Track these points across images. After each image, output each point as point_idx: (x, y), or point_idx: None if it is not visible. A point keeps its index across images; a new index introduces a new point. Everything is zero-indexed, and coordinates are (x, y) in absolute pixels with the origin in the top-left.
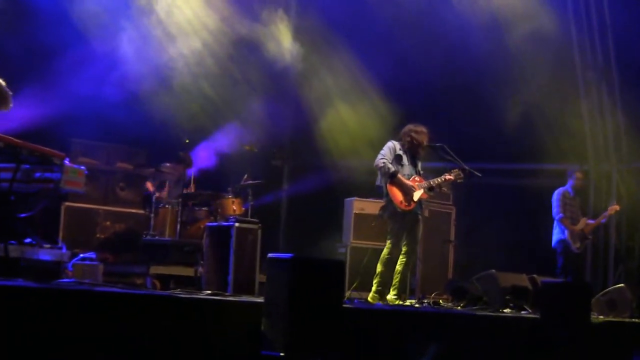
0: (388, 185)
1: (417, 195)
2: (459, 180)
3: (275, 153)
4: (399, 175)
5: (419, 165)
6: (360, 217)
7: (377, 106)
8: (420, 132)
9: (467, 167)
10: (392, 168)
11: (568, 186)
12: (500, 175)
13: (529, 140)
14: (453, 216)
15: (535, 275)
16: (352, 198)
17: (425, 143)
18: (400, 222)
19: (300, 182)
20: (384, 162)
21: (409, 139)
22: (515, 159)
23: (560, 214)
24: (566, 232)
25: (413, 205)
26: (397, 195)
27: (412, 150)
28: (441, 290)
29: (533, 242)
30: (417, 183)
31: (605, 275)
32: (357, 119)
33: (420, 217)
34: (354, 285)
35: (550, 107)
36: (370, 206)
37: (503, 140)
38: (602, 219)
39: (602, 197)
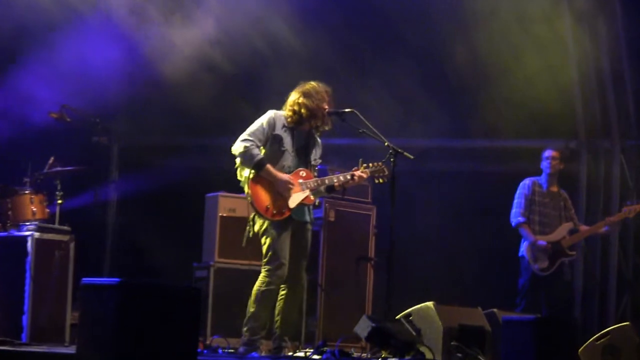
0: (250, 182)
1: (295, 200)
2: (379, 179)
3: (99, 125)
4: (269, 167)
5: (315, 151)
6: (229, 223)
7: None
8: (316, 94)
9: (393, 146)
10: (259, 155)
11: (544, 175)
12: (447, 158)
13: (489, 108)
14: (373, 220)
15: (495, 310)
16: (217, 193)
17: (324, 110)
18: (278, 236)
19: (140, 171)
20: (246, 146)
21: (297, 107)
22: (469, 134)
23: (519, 218)
24: (526, 243)
25: (287, 213)
26: (262, 197)
27: (303, 127)
28: (353, 334)
29: (497, 257)
30: (300, 180)
31: (604, 308)
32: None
33: (309, 225)
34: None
35: (519, 54)
36: (243, 206)
37: (451, 107)
38: (603, 227)
39: (598, 190)
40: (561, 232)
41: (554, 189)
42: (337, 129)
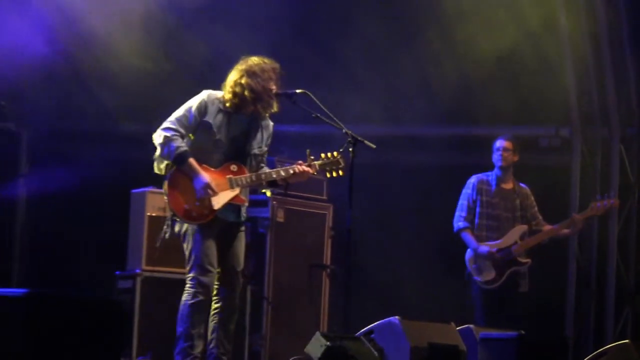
0: (169, 178)
1: (221, 200)
2: (331, 172)
3: (5, 108)
4: (191, 161)
5: (262, 137)
6: (159, 224)
7: None
8: (262, 72)
9: (352, 133)
10: (181, 147)
11: (495, 169)
12: (417, 148)
13: (468, 90)
14: (329, 221)
15: (472, 326)
16: (144, 189)
17: (271, 91)
18: (203, 240)
19: (54, 163)
20: (167, 136)
21: (238, 89)
22: (445, 120)
23: (459, 223)
24: (468, 252)
25: (209, 217)
26: (180, 197)
27: (248, 110)
28: (305, 355)
29: None
30: (229, 176)
31: (600, 324)
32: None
33: (242, 228)
34: None
35: (503, 29)
36: None
37: (424, 90)
38: (569, 226)
39: (593, 185)
40: (512, 236)
41: (507, 185)
42: (288, 113)
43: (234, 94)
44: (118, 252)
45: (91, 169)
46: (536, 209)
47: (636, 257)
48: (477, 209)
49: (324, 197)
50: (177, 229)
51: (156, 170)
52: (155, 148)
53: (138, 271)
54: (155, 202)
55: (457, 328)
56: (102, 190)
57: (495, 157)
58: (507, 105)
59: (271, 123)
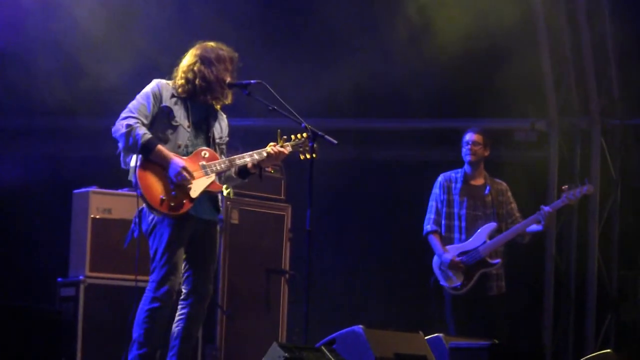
0: (139, 168)
1: (197, 188)
2: (304, 154)
3: None
4: (160, 148)
5: (220, 127)
6: (104, 226)
7: None
8: (218, 61)
9: (312, 127)
10: (146, 134)
11: (465, 165)
12: (383, 143)
13: (439, 82)
14: (288, 223)
15: (442, 335)
16: (87, 189)
17: (224, 82)
18: (172, 238)
19: None
20: (129, 125)
21: (190, 75)
22: (414, 113)
23: (427, 226)
24: (436, 257)
25: (187, 205)
26: (154, 187)
27: (199, 98)
28: None
29: None
30: (202, 162)
31: (580, 332)
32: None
33: (218, 226)
34: None
35: (477, 17)
36: (124, 204)
37: (394, 82)
38: (535, 222)
39: (571, 180)
40: (480, 236)
41: (477, 181)
42: (242, 106)
43: (186, 80)
44: (60, 257)
45: (29, 167)
46: (513, 205)
47: (619, 259)
48: (444, 209)
49: (282, 197)
50: (144, 226)
51: (123, 166)
52: (112, 144)
53: (81, 278)
54: (99, 202)
55: (426, 337)
56: (42, 190)
57: (464, 151)
58: (480, 97)
59: (224, 115)
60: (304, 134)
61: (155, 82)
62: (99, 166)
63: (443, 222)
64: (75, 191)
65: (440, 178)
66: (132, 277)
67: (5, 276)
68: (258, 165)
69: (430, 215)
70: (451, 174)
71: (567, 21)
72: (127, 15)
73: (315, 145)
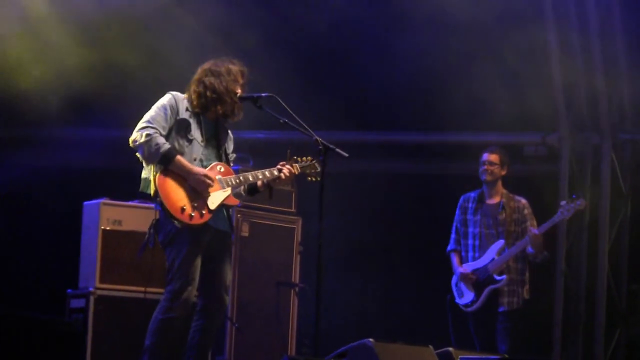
0: (159, 177)
1: (215, 200)
2: (311, 177)
3: None
4: (180, 158)
5: (228, 144)
6: (114, 238)
7: None
8: (227, 73)
9: (323, 141)
10: (165, 144)
11: (483, 185)
12: (394, 156)
13: (445, 94)
14: (298, 236)
15: (451, 349)
16: (98, 200)
17: (235, 94)
18: (191, 248)
19: None
20: (149, 134)
21: (201, 88)
22: (420, 126)
23: (449, 246)
24: (454, 276)
25: (207, 216)
26: (175, 196)
27: (210, 111)
28: None
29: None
30: (219, 176)
31: (589, 348)
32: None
33: (232, 238)
34: None
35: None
36: (134, 216)
37: (404, 95)
38: (525, 243)
39: (582, 195)
40: (490, 253)
41: (493, 200)
42: (253, 119)
43: (198, 94)
44: (70, 268)
45: (37, 177)
46: (529, 223)
47: (628, 275)
48: (461, 229)
49: (293, 210)
50: (161, 236)
51: (144, 175)
52: (127, 155)
53: (91, 289)
54: (110, 214)
55: (436, 351)
56: (52, 200)
57: (480, 171)
58: (490, 111)
59: (230, 132)
60: (309, 157)
61: (170, 95)
62: (109, 177)
63: (462, 241)
64: (86, 203)
65: (460, 199)
66: (142, 289)
67: (15, 287)
68: (267, 184)
69: (452, 235)
70: (470, 194)
71: (578, 36)
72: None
73: (324, 159)
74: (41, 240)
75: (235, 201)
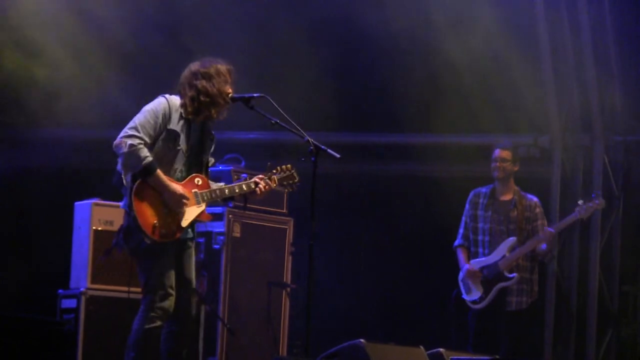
0: (135, 189)
1: (188, 217)
2: (287, 188)
3: None
4: (159, 173)
5: (210, 147)
6: (106, 238)
7: None
8: (217, 75)
9: (314, 141)
10: (148, 157)
11: (495, 182)
12: (387, 157)
13: (440, 95)
14: (290, 236)
15: (442, 350)
16: (89, 201)
17: (227, 95)
18: (164, 259)
19: None
20: (132, 145)
21: (194, 93)
22: (416, 128)
23: (457, 240)
24: (461, 271)
25: (177, 234)
26: (148, 211)
27: (203, 114)
28: None
29: (447, 284)
30: (195, 190)
31: (581, 348)
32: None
33: (191, 244)
34: None
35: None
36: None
37: (397, 97)
38: (538, 241)
39: (574, 196)
40: (501, 250)
41: (506, 197)
42: (245, 120)
43: (191, 98)
44: (61, 269)
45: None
46: (539, 222)
47: (620, 276)
48: (471, 224)
49: (284, 211)
50: (130, 245)
51: (115, 183)
52: (114, 156)
53: (82, 289)
54: (101, 214)
55: (427, 352)
56: (44, 201)
57: (492, 167)
58: (482, 112)
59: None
60: (288, 166)
61: (165, 100)
62: (100, 177)
63: (471, 236)
64: (77, 203)
65: (470, 193)
66: (134, 289)
67: (6, 287)
68: (244, 195)
69: (460, 230)
70: (481, 189)
71: (570, 38)
72: None
73: (315, 160)
74: (32, 241)
75: (208, 217)
